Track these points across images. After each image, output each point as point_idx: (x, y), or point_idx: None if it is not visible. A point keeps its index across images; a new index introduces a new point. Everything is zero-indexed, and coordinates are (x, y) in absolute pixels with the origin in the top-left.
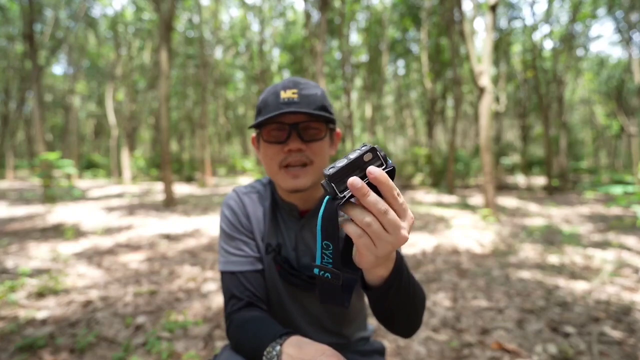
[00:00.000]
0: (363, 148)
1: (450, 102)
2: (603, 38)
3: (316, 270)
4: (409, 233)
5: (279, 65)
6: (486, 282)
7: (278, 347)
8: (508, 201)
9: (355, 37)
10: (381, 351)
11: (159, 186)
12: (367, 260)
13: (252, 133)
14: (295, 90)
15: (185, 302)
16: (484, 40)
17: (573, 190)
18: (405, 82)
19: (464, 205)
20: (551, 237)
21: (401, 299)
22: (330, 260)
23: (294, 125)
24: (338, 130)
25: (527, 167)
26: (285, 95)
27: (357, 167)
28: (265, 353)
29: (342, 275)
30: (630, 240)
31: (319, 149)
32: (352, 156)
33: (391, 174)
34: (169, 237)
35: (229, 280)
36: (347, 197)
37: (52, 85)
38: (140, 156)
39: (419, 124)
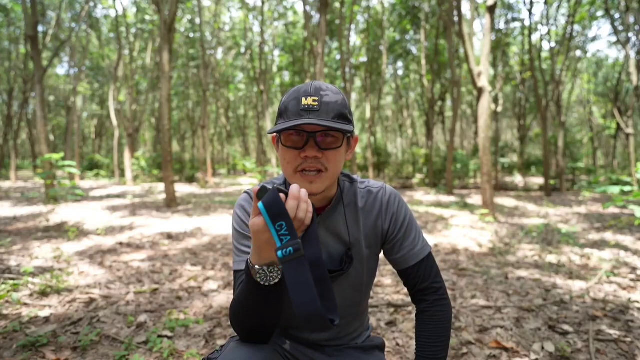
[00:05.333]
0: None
1: (449, 102)
2: (601, 39)
3: (279, 254)
4: None
5: (279, 67)
6: (485, 281)
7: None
8: (506, 201)
9: (355, 39)
10: (381, 347)
11: (160, 186)
12: None
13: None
14: (316, 98)
15: (186, 301)
16: (482, 41)
17: (571, 190)
18: (405, 83)
19: (463, 205)
20: (549, 237)
21: None
22: (289, 236)
23: (312, 134)
24: (356, 135)
25: (525, 167)
26: (306, 102)
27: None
28: (258, 277)
29: (301, 244)
30: (627, 239)
31: (334, 157)
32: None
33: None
34: (170, 237)
35: (241, 278)
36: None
37: (54, 86)
38: (142, 156)
39: (418, 125)
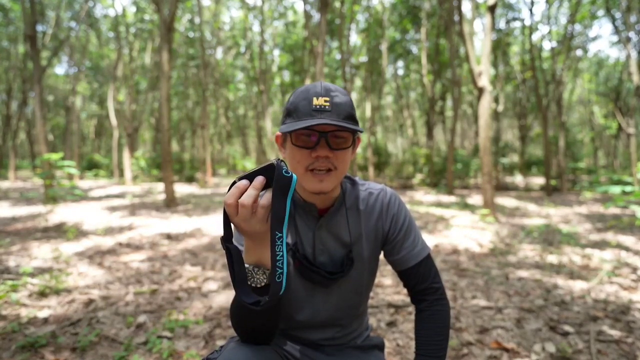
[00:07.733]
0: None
1: (449, 102)
2: (602, 38)
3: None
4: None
5: (279, 66)
6: (485, 282)
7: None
8: (507, 201)
9: (355, 38)
10: (381, 347)
11: (160, 186)
12: None
13: (276, 131)
14: (327, 99)
15: (186, 302)
16: (482, 40)
17: (571, 190)
18: (405, 83)
19: (463, 205)
20: (550, 237)
21: None
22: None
23: (324, 134)
24: (359, 136)
25: (526, 167)
26: (318, 102)
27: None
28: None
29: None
30: (628, 240)
31: (343, 157)
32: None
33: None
34: (170, 237)
35: None
36: None
37: (53, 85)
38: (142, 156)
39: (418, 125)
